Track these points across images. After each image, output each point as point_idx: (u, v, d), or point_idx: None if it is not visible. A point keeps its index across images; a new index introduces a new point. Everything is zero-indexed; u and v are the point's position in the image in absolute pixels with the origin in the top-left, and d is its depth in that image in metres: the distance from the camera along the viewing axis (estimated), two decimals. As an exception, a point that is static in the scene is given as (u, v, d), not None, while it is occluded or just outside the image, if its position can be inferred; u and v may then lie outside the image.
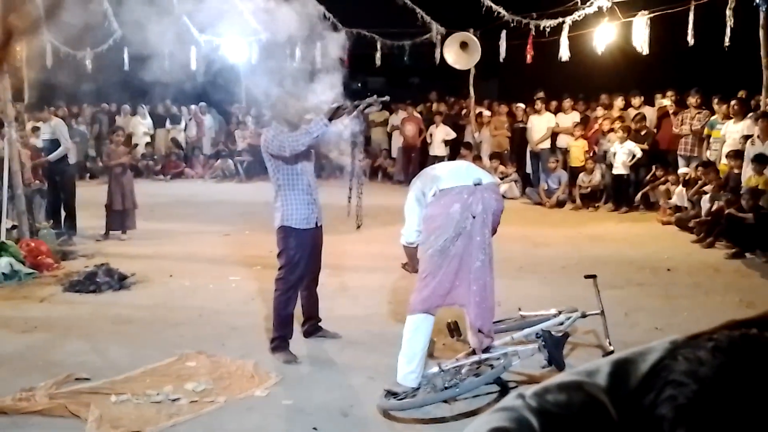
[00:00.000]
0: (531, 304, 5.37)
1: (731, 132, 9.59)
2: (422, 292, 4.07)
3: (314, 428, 3.71)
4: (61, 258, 7.65)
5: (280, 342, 4.72)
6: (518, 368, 4.26)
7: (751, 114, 9.47)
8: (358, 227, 4.66)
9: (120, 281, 6.62)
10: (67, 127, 9.52)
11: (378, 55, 13.91)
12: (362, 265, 7.16)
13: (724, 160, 9.44)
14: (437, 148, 13.95)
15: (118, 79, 12.96)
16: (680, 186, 10.04)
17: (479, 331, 4.11)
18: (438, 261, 4.01)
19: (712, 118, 10.33)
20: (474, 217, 3.95)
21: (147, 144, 16.49)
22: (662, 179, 10.67)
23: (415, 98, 15.67)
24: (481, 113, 13.96)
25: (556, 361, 4.08)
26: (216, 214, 11.06)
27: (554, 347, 4.09)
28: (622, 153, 11.00)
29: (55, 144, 8.89)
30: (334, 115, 4.41)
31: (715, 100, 10.34)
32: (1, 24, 6.89)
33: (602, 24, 10.56)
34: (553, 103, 13.05)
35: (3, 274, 6.73)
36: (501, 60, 12.44)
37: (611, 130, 11.59)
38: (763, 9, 8.34)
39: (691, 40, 9.61)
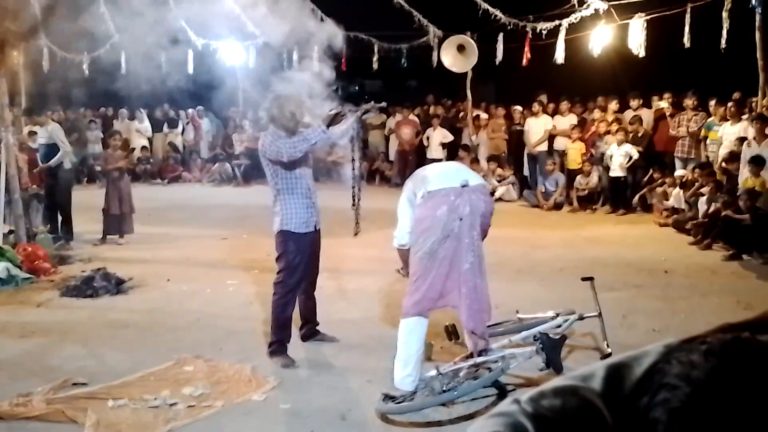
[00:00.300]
0: (529, 307, 5.37)
1: (728, 134, 9.62)
2: (414, 296, 4.06)
3: (312, 432, 3.70)
4: (58, 262, 7.63)
5: (278, 346, 4.71)
6: (516, 371, 4.26)
7: (747, 116, 9.50)
8: (356, 234, 4.64)
9: (117, 286, 6.61)
10: (63, 131, 9.50)
11: (375, 58, 13.92)
12: (360, 269, 7.16)
13: (721, 161, 9.47)
14: (434, 151, 13.97)
15: (115, 83, 12.95)
16: (677, 188, 10.05)
17: (472, 333, 4.10)
18: (427, 264, 4.00)
19: (709, 119, 10.36)
20: (461, 219, 3.94)
21: (143, 148, 16.49)
22: (659, 181, 10.69)
23: (413, 101, 15.69)
24: (478, 116, 13.98)
25: (554, 364, 4.08)
26: (213, 218, 11.05)
27: (552, 350, 4.10)
28: (619, 155, 11.03)
29: (51, 148, 8.88)
30: (332, 121, 4.40)
31: (712, 102, 10.37)
32: None
33: (599, 26, 10.58)
34: (551, 106, 13.07)
35: (0, 279, 6.71)
36: (498, 63, 12.46)
37: (608, 132, 11.62)
38: (760, 11, 8.37)
39: (687, 42, 9.63)
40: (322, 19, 11.86)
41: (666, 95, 11.57)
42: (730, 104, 9.83)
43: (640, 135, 11.26)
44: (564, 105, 12.76)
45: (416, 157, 14.32)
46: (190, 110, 16.95)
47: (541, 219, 10.93)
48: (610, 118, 11.90)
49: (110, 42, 13.01)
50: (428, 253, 3.98)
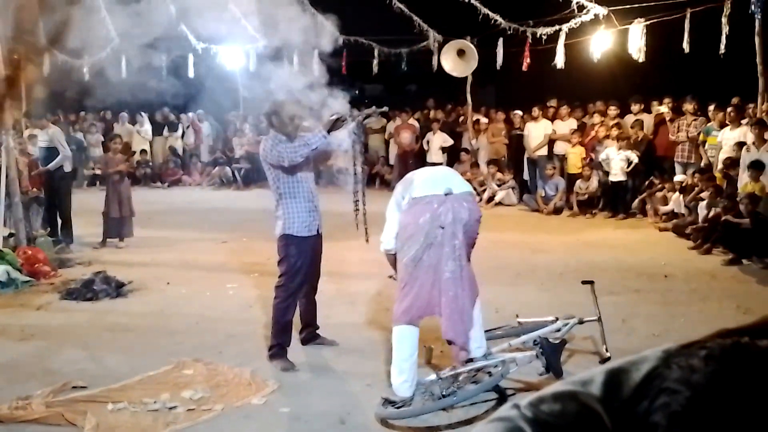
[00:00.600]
0: (529, 311, 5.37)
1: (727, 139, 9.63)
2: (403, 303, 4.02)
3: (312, 436, 3.70)
4: (58, 266, 7.64)
5: (278, 349, 4.71)
6: (516, 375, 4.26)
7: (746, 121, 9.52)
8: (367, 240, 4.63)
9: (117, 289, 6.61)
10: (64, 134, 9.52)
11: (375, 62, 13.95)
12: (360, 272, 7.16)
13: (721, 166, 9.48)
14: (435, 155, 13.98)
15: (115, 87, 12.97)
16: (677, 192, 10.06)
17: (451, 343, 4.03)
18: (413, 272, 3.96)
19: (708, 124, 10.37)
20: (443, 228, 3.89)
21: (143, 151, 16.50)
22: (659, 186, 10.70)
23: (413, 105, 15.70)
24: (478, 120, 14.00)
25: (554, 368, 4.08)
26: (213, 221, 11.06)
27: (552, 354, 4.10)
28: (619, 159, 11.04)
29: (51, 152, 8.88)
30: (333, 126, 4.39)
31: (711, 107, 10.39)
32: (9, 57, 6.92)
33: (599, 31, 10.60)
34: (550, 110, 13.08)
35: (0, 281, 6.72)
36: (498, 67, 12.48)
37: (607, 137, 11.63)
38: (759, 16, 8.39)
39: (687, 47, 9.65)
40: (321, 24, 11.89)
41: (666, 100, 11.59)
42: (729, 109, 9.85)
43: (639, 140, 11.27)
44: (564, 109, 12.77)
45: (416, 161, 14.27)
46: (190, 114, 16.96)
47: (540, 223, 10.93)
48: (609, 122, 11.91)
49: (111, 46, 13.02)
50: (413, 260, 3.94)
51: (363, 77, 16.17)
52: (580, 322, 4.66)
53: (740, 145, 9.22)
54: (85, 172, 15.62)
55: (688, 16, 9.51)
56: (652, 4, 9.72)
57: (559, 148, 12.59)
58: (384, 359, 4.58)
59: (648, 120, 11.74)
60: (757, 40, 8.89)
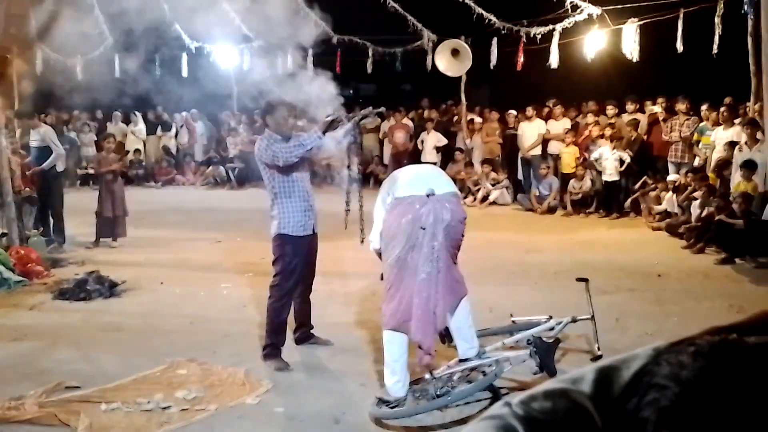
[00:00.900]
0: (522, 310, 5.38)
1: (720, 138, 9.67)
2: (390, 305, 3.98)
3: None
4: (51, 266, 7.61)
5: (272, 349, 4.71)
6: (510, 374, 4.27)
7: (739, 120, 9.56)
8: (362, 241, 4.62)
9: (110, 289, 6.59)
10: (56, 134, 9.47)
11: (369, 62, 13.94)
12: (354, 272, 7.16)
13: (714, 165, 9.52)
14: (429, 155, 13.99)
15: (109, 86, 12.93)
16: (670, 192, 10.10)
17: (418, 346, 3.93)
18: (398, 273, 3.93)
19: (702, 124, 10.42)
20: (424, 229, 3.84)
21: (137, 151, 16.45)
22: (652, 186, 10.74)
23: (407, 105, 15.71)
24: (472, 120, 14.01)
25: (548, 367, 4.09)
26: (207, 221, 11.03)
27: (545, 353, 4.10)
28: (613, 159, 11.07)
29: (43, 151, 8.83)
30: (329, 127, 4.38)
31: (704, 107, 10.43)
32: None
33: (592, 31, 10.63)
34: (544, 110, 13.11)
35: (-8, 282, 6.69)
36: (492, 67, 12.50)
37: (601, 136, 11.67)
38: (751, 17, 8.42)
39: (680, 47, 9.69)
40: (316, 24, 11.89)
41: (659, 100, 11.63)
42: (722, 109, 9.89)
43: (633, 139, 11.31)
44: (558, 109, 12.80)
45: (410, 160, 14.33)
46: (184, 113, 16.93)
47: (534, 223, 10.96)
48: (606, 122, 11.94)
49: (104, 45, 12.99)
50: (396, 261, 3.90)
51: (357, 77, 16.18)
52: (574, 320, 4.66)
53: (731, 144, 9.27)
54: (78, 172, 15.58)
55: (681, 16, 9.55)
56: (646, 4, 9.76)
57: (553, 147, 12.62)
58: (378, 359, 4.58)
59: (642, 120, 11.79)
60: (749, 40, 8.93)
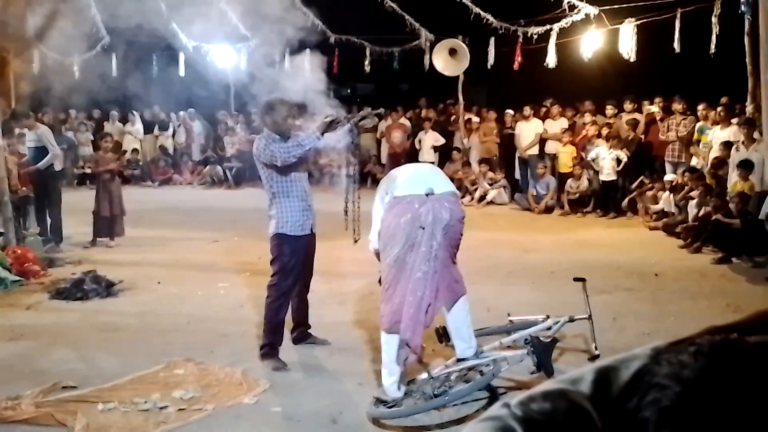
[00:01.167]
0: (520, 309, 5.37)
1: (717, 138, 9.69)
2: (388, 305, 3.97)
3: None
4: (47, 265, 7.59)
5: (269, 349, 4.70)
6: (507, 374, 4.27)
7: (736, 120, 9.58)
8: (356, 241, 4.62)
9: (107, 288, 6.58)
10: (53, 133, 9.45)
11: (367, 61, 13.94)
12: (352, 271, 7.15)
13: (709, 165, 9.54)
14: (426, 154, 13.98)
15: (106, 85, 12.90)
16: (667, 192, 10.12)
17: (406, 344, 3.92)
18: (396, 274, 3.92)
19: (700, 124, 10.43)
20: (423, 228, 3.84)
21: (134, 150, 16.42)
22: (649, 185, 10.75)
23: (405, 104, 15.70)
24: (470, 119, 14.01)
25: (545, 367, 4.09)
26: (204, 220, 11.02)
27: (543, 352, 4.10)
28: (611, 159, 11.09)
29: (40, 151, 8.81)
30: (328, 128, 4.37)
31: (701, 107, 10.45)
32: None
33: (590, 31, 10.64)
34: (542, 110, 13.12)
35: (-11, 281, 6.68)
36: (489, 66, 12.50)
37: (598, 136, 11.68)
38: (748, 17, 8.44)
39: (677, 47, 9.71)
40: (313, 23, 11.88)
41: (657, 99, 11.64)
42: (719, 109, 9.91)
43: (630, 139, 11.33)
44: (555, 109, 12.81)
45: (408, 159, 14.31)
46: (181, 113, 16.90)
47: (532, 222, 10.96)
48: (604, 121, 11.96)
49: (101, 44, 12.96)
50: (395, 261, 3.90)
51: (355, 76, 16.18)
52: (571, 320, 4.67)
53: (726, 144, 9.28)
54: (75, 171, 15.55)
55: (679, 16, 9.57)
56: (643, 3, 9.77)
57: (550, 147, 12.63)
58: (375, 358, 4.57)
59: (639, 119, 11.80)
60: (746, 40, 8.94)
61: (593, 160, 11.32)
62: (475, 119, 14.12)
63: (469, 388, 3.91)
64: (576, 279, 4.97)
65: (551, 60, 11.12)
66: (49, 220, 8.88)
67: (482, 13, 11.14)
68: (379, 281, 4.15)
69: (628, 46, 10.07)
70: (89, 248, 8.76)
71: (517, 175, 13.31)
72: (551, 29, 10.87)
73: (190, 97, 14.91)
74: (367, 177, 15.26)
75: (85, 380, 4.39)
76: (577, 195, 11.60)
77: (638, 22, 9.97)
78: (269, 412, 4.01)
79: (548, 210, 11.74)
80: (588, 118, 12.28)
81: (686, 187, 9.63)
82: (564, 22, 10.56)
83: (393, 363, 4.00)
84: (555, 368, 4.19)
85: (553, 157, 12.50)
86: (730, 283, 7.02)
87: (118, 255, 8.38)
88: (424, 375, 4.08)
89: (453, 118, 14.57)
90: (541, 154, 12.77)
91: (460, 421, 3.83)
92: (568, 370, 4.37)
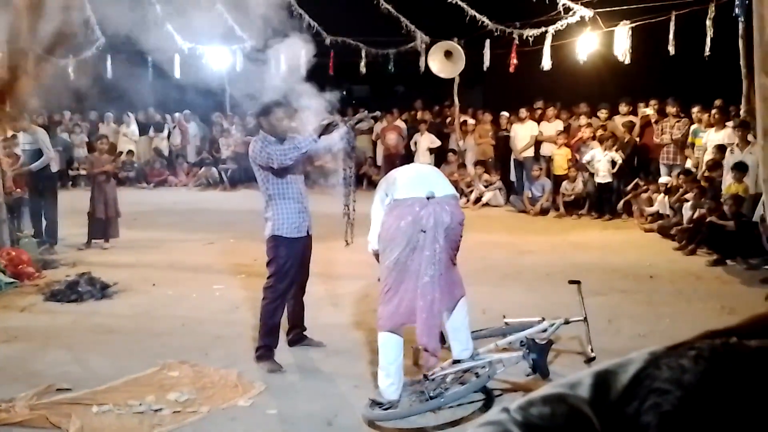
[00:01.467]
0: (515, 311, 5.38)
1: (712, 141, 9.72)
2: (387, 307, 3.96)
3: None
4: (42, 267, 7.57)
5: (265, 351, 4.70)
6: (503, 376, 4.27)
7: (730, 122, 9.61)
8: (347, 244, 4.61)
9: (102, 290, 6.56)
10: (48, 135, 9.41)
11: (363, 63, 13.94)
12: (347, 273, 7.15)
13: (704, 167, 9.57)
14: (422, 156, 13.98)
15: (101, 87, 12.87)
16: (662, 194, 10.14)
17: (424, 349, 3.96)
18: (397, 276, 3.91)
19: (694, 126, 10.46)
20: (424, 232, 3.84)
21: (129, 152, 16.38)
22: (644, 187, 10.78)
23: (400, 106, 15.71)
24: (465, 121, 14.02)
25: (541, 369, 4.10)
26: (200, 222, 11.00)
27: (538, 354, 4.11)
28: (606, 161, 11.11)
29: (35, 154, 8.78)
30: (325, 131, 4.37)
31: (696, 109, 10.48)
32: (7, 65, 6.82)
33: (585, 33, 10.66)
34: (537, 112, 13.14)
35: (-17, 283, 6.65)
36: (485, 69, 12.52)
37: (593, 138, 11.70)
38: (742, 19, 8.47)
39: (672, 49, 9.73)
40: (309, 25, 11.88)
41: (651, 102, 11.68)
42: (713, 111, 9.94)
43: (625, 141, 11.35)
44: (550, 111, 12.84)
45: (403, 161, 14.31)
46: (176, 114, 16.87)
47: (527, 224, 10.98)
48: (597, 124, 11.99)
49: (96, 45, 12.94)
50: (395, 263, 3.89)
51: (350, 78, 16.16)
52: (567, 322, 4.67)
53: (720, 147, 9.31)
54: (70, 173, 15.50)
55: (673, 18, 9.59)
56: (638, 6, 9.80)
57: (546, 149, 12.65)
58: (371, 361, 4.57)
59: (635, 121, 11.83)
60: (740, 42, 8.98)
61: (588, 162, 11.34)
62: (471, 121, 14.13)
63: (465, 390, 3.91)
64: (571, 282, 4.98)
65: (546, 62, 11.13)
66: (44, 222, 8.84)
67: (478, 15, 11.16)
68: (379, 280, 4.15)
69: (623, 48, 10.09)
70: (84, 250, 8.73)
71: (513, 177, 13.32)
72: (546, 31, 10.89)
73: (185, 98, 14.88)
74: (363, 179, 15.28)
75: (80, 382, 4.37)
76: (573, 197, 11.62)
77: (633, 25, 10.00)
78: (264, 414, 4.00)
79: (543, 212, 11.75)
80: (583, 120, 12.30)
81: (681, 190, 9.66)
82: (559, 25, 10.58)
83: (390, 365, 4.00)
84: (550, 370, 4.19)
85: (549, 159, 12.51)
86: (725, 285, 7.04)
87: (113, 257, 8.36)
88: (420, 377, 4.07)
89: (448, 120, 14.58)
90: (537, 156, 12.78)
91: (455, 423, 3.83)
92: (563, 372, 4.38)
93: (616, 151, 11.14)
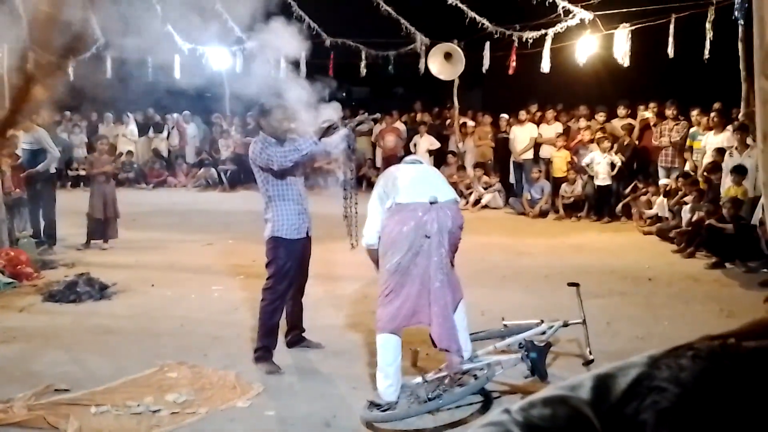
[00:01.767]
0: (514, 314, 5.38)
1: (711, 144, 9.73)
2: (387, 309, 3.97)
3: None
4: (41, 267, 7.56)
5: (263, 352, 4.69)
6: (501, 378, 4.27)
7: (729, 126, 9.63)
8: (353, 247, 4.61)
9: (101, 291, 6.55)
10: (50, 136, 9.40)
11: (363, 65, 13.96)
12: (347, 275, 7.15)
13: (702, 170, 9.58)
14: (421, 158, 13.99)
15: (101, 87, 12.88)
16: (661, 197, 10.15)
17: (446, 350, 4.01)
18: (399, 279, 3.92)
19: (693, 129, 10.48)
20: (428, 237, 3.86)
21: (129, 152, 16.38)
22: (643, 190, 10.79)
23: (400, 108, 15.73)
24: (465, 123, 14.04)
25: (539, 371, 4.10)
26: (199, 223, 11.00)
27: (537, 357, 4.11)
28: (605, 163, 11.12)
29: (36, 154, 8.77)
30: (325, 133, 4.38)
31: (695, 112, 10.50)
32: (21, 73, 6.79)
33: (584, 36, 10.68)
34: (536, 114, 13.16)
35: (-19, 283, 6.64)
36: (485, 71, 12.53)
37: (592, 140, 11.72)
38: (742, 22, 8.48)
39: (671, 52, 9.75)
40: (309, 26, 11.89)
41: (651, 105, 11.69)
42: (713, 114, 9.96)
43: (625, 144, 11.36)
44: (549, 113, 12.85)
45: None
46: (175, 115, 16.88)
47: (526, 226, 10.98)
48: (596, 126, 12.00)
49: (96, 46, 12.94)
50: (398, 268, 3.90)
51: (350, 79, 16.19)
52: (565, 324, 4.67)
53: (719, 150, 9.32)
54: (70, 173, 15.50)
55: (673, 21, 9.61)
56: (637, 9, 9.82)
57: (545, 151, 12.66)
58: (370, 362, 4.57)
59: (634, 124, 11.85)
60: (740, 45, 9.00)
61: (588, 165, 11.35)
62: (470, 123, 14.14)
63: (463, 392, 3.91)
64: (570, 284, 4.98)
65: (546, 64, 11.15)
66: (43, 222, 8.83)
67: (477, 17, 11.18)
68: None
69: (622, 51, 10.11)
70: (83, 250, 8.73)
71: (512, 179, 13.33)
72: (546, 34, 10.91)
73: (184, 99, 14.89)
74: (362, 180, 15.29)
75: (78, 383, 4.37)
76: (572, 199, 11.63)
77: (633, 28, 10.02)
78: (263, 415, 4.00)
79: (543, 214, 11.76)
80: (582, 122, 12.32)
81: (680, 192, 9.67)
82: (559, 27, 10.60)
83: (389, 367, 4.01)
84: (549, 372, 4.19)
85: (548, 162, 12.53)
86: (724, 287, 7.05)
87: (112, 257, 8.36)
88: (418, 379, 4.07)
89: (448, 122, 14.60)
90: (536, 158, 12.79)
91: (454, 425, 3.83)
92: (562, 374, 4.39)
93: (616, 153, 11.15)
